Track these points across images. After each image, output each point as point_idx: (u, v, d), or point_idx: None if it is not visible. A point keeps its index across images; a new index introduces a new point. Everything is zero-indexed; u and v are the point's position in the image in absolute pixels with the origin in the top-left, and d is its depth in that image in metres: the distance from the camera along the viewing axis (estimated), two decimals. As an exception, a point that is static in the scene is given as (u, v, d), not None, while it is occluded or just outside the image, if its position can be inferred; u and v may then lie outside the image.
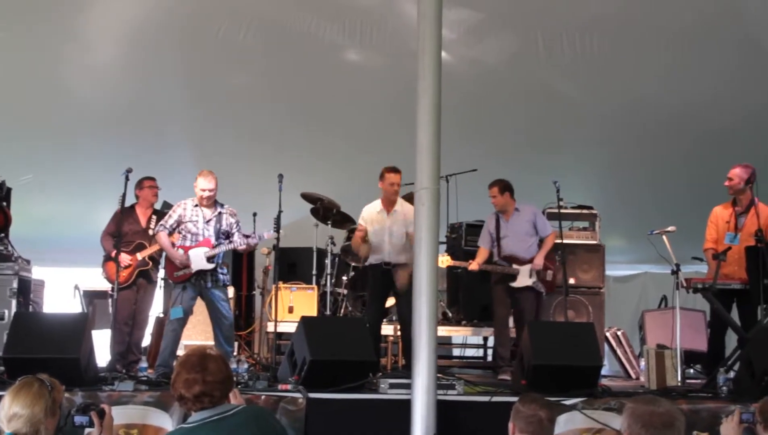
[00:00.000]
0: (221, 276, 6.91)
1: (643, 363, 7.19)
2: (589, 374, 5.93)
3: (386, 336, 8.12)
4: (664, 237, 7.20)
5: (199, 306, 7.08)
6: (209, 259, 6.78)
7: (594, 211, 8.34)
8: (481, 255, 7.53)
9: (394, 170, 7.30)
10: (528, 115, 9.92)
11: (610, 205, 9.51)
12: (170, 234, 6.93)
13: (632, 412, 3.04)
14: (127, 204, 7.21)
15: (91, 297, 8.43)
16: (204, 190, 6.83)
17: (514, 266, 7.40)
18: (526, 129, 10.07)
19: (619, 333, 8.40)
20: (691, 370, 7.66)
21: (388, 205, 7.41)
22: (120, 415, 5.17)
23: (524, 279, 7.39)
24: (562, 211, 7.71)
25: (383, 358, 8.00)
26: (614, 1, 8.97)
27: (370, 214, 7.46)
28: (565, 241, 7.59)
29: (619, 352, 8.32)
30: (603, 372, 6.78)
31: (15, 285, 7.18)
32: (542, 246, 7.52)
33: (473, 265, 7.47)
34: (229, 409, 3.30)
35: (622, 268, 11.83)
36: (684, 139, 9.80)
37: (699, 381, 7.09)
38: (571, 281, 7.83)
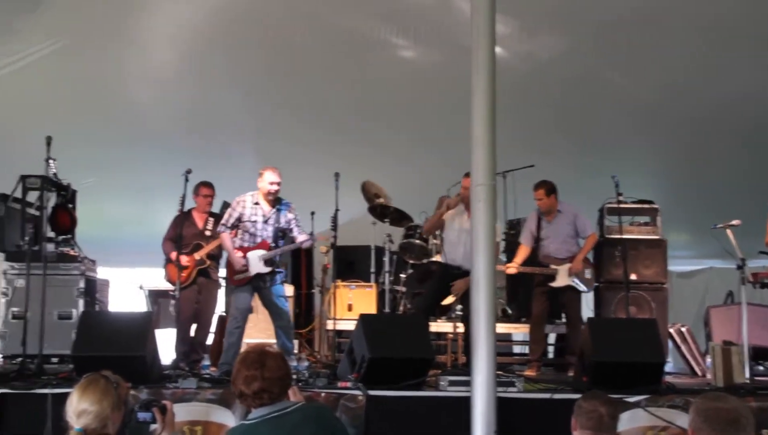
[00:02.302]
0: (278, 277, 6.95)
1: (709, 360, 7.03)
2: (653, 371, 5.82)
3: (446, 333, 8.11)
4: (728, 231, 7.02)
5: (260, 304, 7.16)
6: (266, 262, 6.81)
7: (655, 206, 8.15)
8: (522, 254, 7.52)
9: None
10: (584, 110, 9.77)
11: (671, 199, 9.31)
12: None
13: (697, 407, 2.99)
14: (186, 207, 7.31)
15: (155, 296, 8.61)
16: (272, 184, 6.84)
17: (552, 267, 7.34)
18: (582, 124, 9.93)
19: (683, 329, 8.22)
20: (760, 367, 7.48)
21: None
22: (184, 412, 5.27)
23: (563, 278, 7.34)
24: (622, 205, 7.57)
25: (443, 355, 7.99)
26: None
27: (450, 210, 7.31)
28: (625, 237, 7.49)
29: (683, 348, 8.15)
30: (668, 369, 6.67)
31: (82, 285, 7.39)
32: (582, 247, 7.46)
33: (511, 269, 7.44)
34: (288, 405, 3.33)
35: (686, 263, 11.60)
36: (747, 133, 9.54)
37: (768, 378, 6.92)
38: (633, 277, 7.69)
